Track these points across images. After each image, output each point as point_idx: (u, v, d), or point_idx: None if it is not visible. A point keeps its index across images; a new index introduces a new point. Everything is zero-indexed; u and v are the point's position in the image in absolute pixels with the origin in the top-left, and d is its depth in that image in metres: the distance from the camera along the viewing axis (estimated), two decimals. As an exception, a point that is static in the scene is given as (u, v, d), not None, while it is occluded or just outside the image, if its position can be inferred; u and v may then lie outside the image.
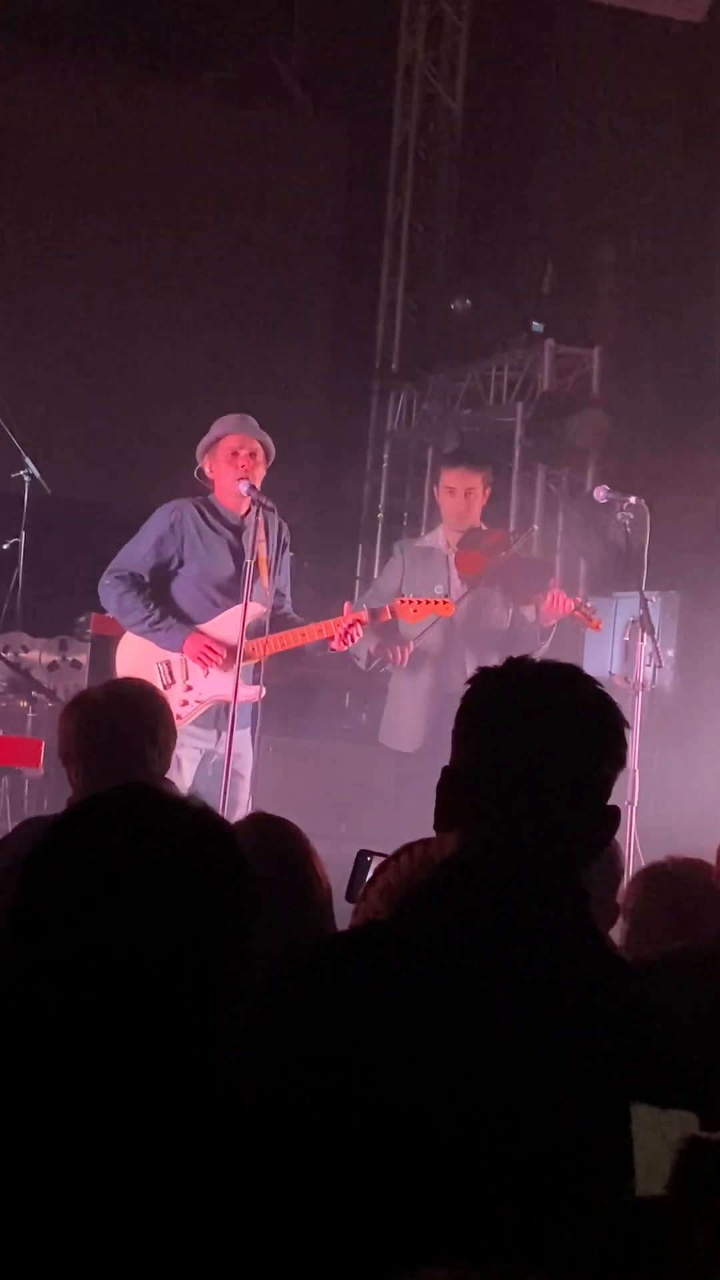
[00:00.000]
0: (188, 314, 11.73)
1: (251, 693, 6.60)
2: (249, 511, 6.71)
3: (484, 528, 7.71)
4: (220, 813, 2.28)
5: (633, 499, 7.40)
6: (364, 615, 6.78)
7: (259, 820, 3.57)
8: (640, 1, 11.72)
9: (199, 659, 6.64)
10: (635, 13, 11.70)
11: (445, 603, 7.10)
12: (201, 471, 6.86)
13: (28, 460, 9.91)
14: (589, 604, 7.63)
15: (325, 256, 12.71)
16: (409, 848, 2.96)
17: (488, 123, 12.26)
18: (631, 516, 7.38)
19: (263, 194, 12.27)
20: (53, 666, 9.46)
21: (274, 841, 3.41)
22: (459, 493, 7.64)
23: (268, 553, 6.66)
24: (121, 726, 4.18)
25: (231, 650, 6.62)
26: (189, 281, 11.87)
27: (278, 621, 6.69)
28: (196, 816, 2.07)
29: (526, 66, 12.22)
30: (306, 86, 12.65)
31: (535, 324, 10.96)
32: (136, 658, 6.72)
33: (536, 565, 8.00)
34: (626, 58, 11.58)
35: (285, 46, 12.64)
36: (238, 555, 6.77)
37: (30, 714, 8.93)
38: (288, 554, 6.94)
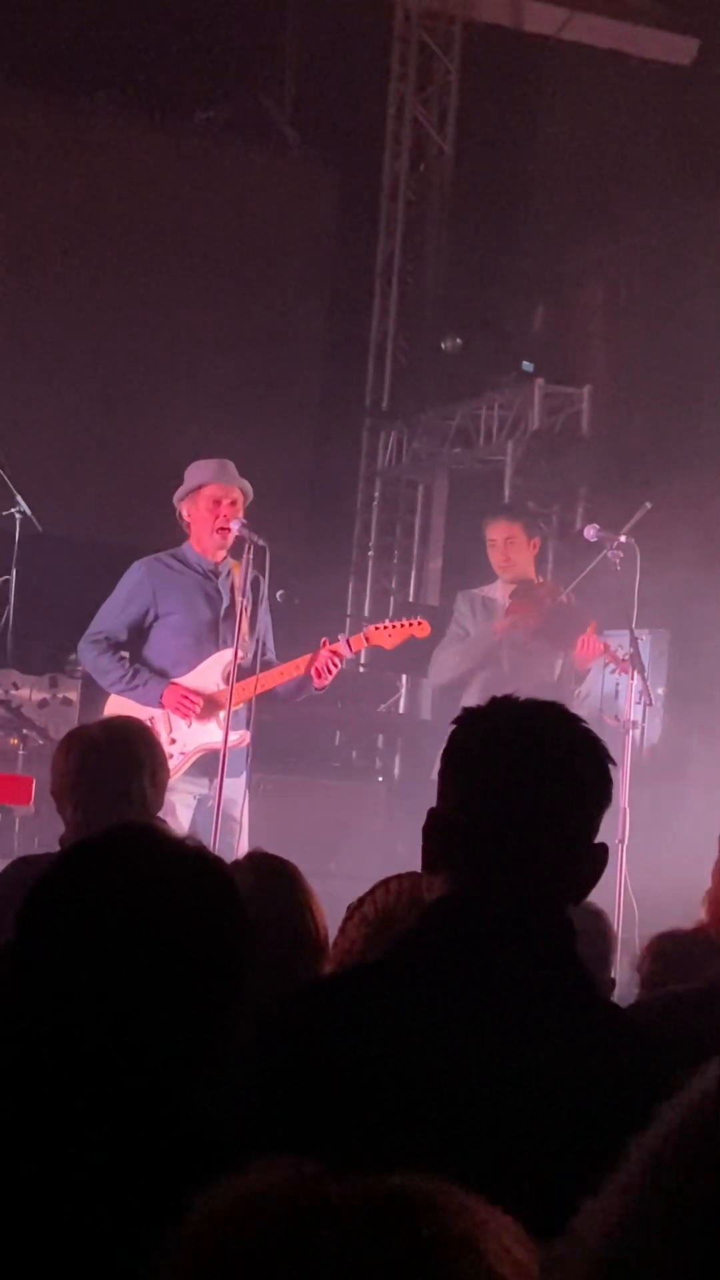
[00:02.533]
0: (179, 352, 11.76)
1: (234, 738, 6.57)
2: (225, 559, 6.74)
3: (537, 580, 7.81)
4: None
5: (623, 537, 7.43)
6: (340, 647, 6.76)
7: (257, 859, 3.56)
8: (628, 44, 11.83)
9: (177, 709, 6.63)
10: (624, 55, 11.81)
11: (420, 624, 7.08)
12: (180, 515, 6.87)
13: (19, 498, 9.92)
14: (618, 646, 7.66)
15: (316, 296, 12.75)
16: (385, 882, 2.97)
17: (478, 164, 12.34)
18: (621, 555, 7.42)
19: (253, 234, 12.32)
20: (43, 704, 9.45)
21: (272, 881, 3.40)
22: (499, 544, 7.76)
23: (246, 601, 6.65)
24: (119, 764, 4.15)
25: (209, 698, 6.62)
26: (180, 319, 11.90)
27: (262, 670, 6.69)
28: (194, 857, 2.07)
29: (516, 108, 12.30)
30: (297, 127, 12.72)
31: (525, 363, 11.01)
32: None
33: (577, 612, 8.03)
34: (615, 100, 11.68)
35: (276, 87, 12.72)
36: (213, 602, 6.77)
37: (21, 751, 8.92)
38: (265, 605, 6.92)
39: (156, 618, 6.77)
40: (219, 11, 11.95)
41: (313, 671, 6.65)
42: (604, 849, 2.23)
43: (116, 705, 6.79)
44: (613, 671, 7.67)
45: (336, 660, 6.70)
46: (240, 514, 6.73)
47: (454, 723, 2.25)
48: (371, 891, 3.00)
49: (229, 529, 6.69)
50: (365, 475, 12.74)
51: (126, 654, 6.74)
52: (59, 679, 9.54)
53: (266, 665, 6.75)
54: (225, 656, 6.63)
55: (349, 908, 3.10)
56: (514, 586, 7.74)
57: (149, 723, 6.58)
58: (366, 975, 2.29)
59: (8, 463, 9.90)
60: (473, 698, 7.50)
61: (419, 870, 2.96)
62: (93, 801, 4.10)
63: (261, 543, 6.64)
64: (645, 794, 7.72)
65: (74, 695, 9.43)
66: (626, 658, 7.53)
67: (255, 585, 6.75)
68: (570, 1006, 2.17)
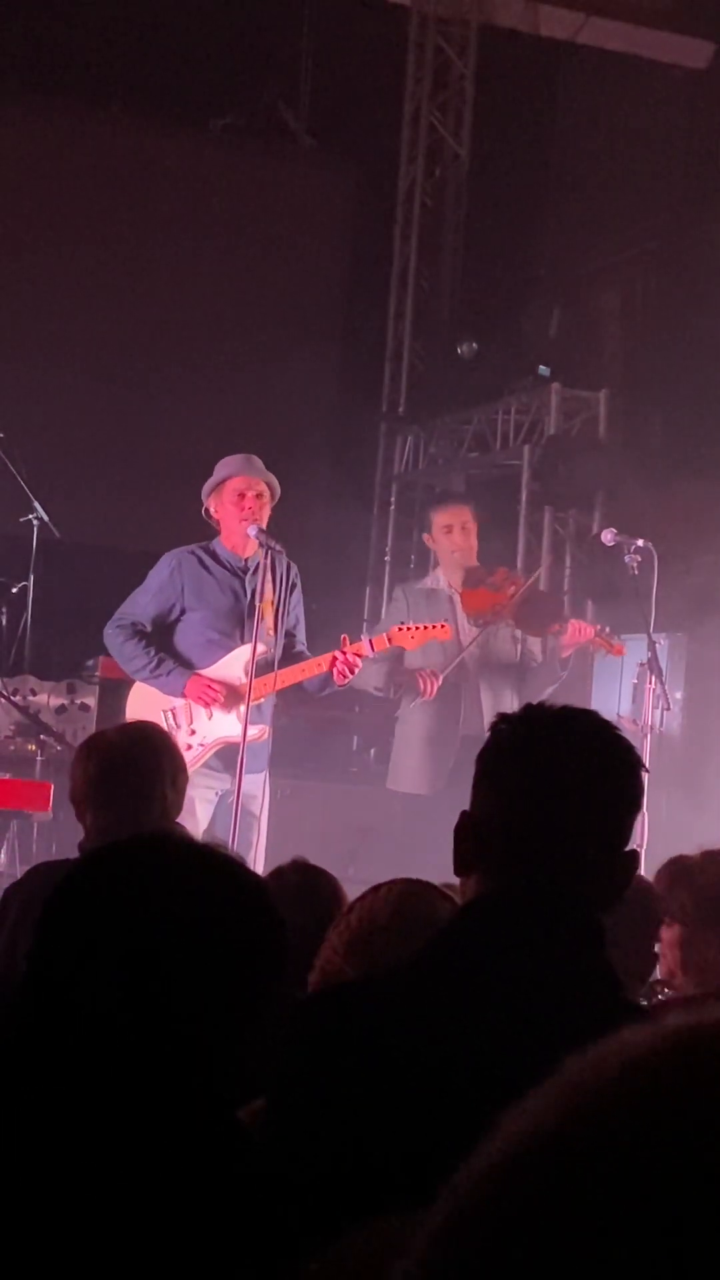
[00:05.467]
0: (195, 357, 11.78)
1: (254, 732, 6.58)
2: (253, 554, 6.74)
3: (481, 566, 7.72)
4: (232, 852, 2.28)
5: (640, 541, 7.42)
6: (362, 647, 6.76)
7: (301, 867, 3.58)
8: (644, 48, 11.82)
9: (199, 699, 6.64)
10: (639, 59, 11.80)
11: (443, 627, 7.07)
12: (208, 511, 6.87)
13: (36, 504, 9.94)
14: (607, 629, 7.61)
15: (332, 301, 12.77)
16: (376, 888, 2.94)
17: (493, 168, 12.33)
18: (639, 559, 7.40)
19: (270, 239, 12.33)
20: (61, 710, 9.46)
21: (313, 891, 3.43)
22: (455, 529, 7.67)
23: (274, 594, 6.66)
24: (138, 770, 4.13)
25: (232, 688, 6.62)
26: (196, 324, 11.92)
27: (289, 661, 6.70)
28: (223, 863, 2.07)
29: (531, 113, 12.31)
30: (313, 133, 12.74)
31: (542, 368, 10.99)
32: (145, 707, 6.72)
33: (549, 599, 7.99)
34: (630, 104, 11.68)
35: (292, 93, 12.73)
36: (241, 598, 6.78)
37: (39, 757, 8.92)
38: (297, 594, 6.93)
39: (184, 612, 6.79)
40: (235, 18, 11.96)
41: (334, 673, 6.66)
42: (635, 855, 2.24)
43: (140, 693, 6.80)
44: (605, 655, 7.62)
45: (358, 661, 6.71)
46: (268, 509, 6.74)
47: (490, 729, 2.25)
48: (361, 898, 2.95)
49: (256, 522, 6.68)
50: (382, 480, 12.74)
51: (153, 643, 6.75)
52: (77, 685, 9.55)
53: (297, 657, 6.76)
54: (250, 650, 6.63)
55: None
56: (460, 574, 7.64)
57: (170, 713, 6.64)
58: (400, 977, 2.29)
59: (25, 469, 9.92)
60: (443, 695, 7.48)
61: (423, 879, 2.95)
62: (112, 807, 4.09)
63: (278, 548, 6.64)
64: (662, 798, 7.71)
65: (92, 701, 9.43)
66: (619, 642, 7.52)
67: (286, 575, 6.76)
68: (600, 1011, 2.16)
